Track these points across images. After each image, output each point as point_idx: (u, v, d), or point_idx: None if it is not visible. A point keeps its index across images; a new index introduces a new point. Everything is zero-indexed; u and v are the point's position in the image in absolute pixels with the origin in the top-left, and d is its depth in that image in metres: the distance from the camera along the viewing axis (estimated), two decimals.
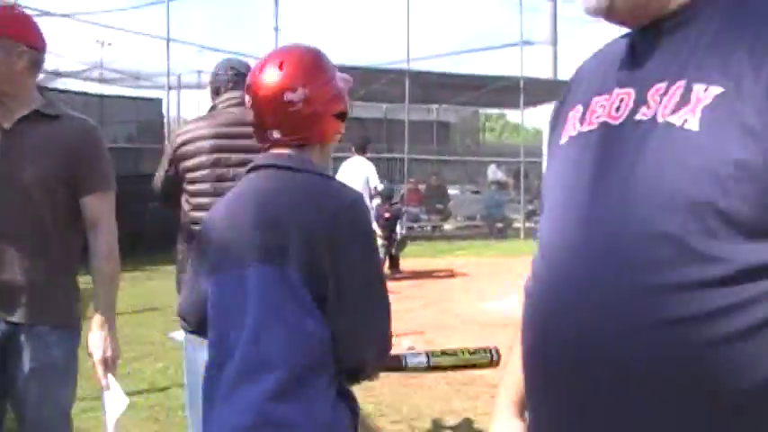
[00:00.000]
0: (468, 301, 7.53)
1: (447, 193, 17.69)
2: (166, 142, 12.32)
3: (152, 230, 8.94)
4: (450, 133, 23.66)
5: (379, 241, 9.92)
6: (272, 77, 1.45)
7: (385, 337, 1.48)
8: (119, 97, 14.64)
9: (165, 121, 13.71)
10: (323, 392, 1.35)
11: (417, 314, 6.91)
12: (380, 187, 9.46)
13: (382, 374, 3.09)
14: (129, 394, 2.14)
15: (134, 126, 13.76)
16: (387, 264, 9.82)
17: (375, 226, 10.00)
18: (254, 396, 1.32)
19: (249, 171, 1.53)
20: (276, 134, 1.48)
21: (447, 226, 17.80)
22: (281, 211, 1.40)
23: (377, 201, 10.03)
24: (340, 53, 28.36)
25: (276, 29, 13.62)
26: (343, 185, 1.54)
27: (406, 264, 10.42)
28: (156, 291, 7.15)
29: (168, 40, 12.87)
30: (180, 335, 5.08)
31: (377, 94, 17.49)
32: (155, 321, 6.13)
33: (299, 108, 1.45)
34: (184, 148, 2.52)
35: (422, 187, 17.18)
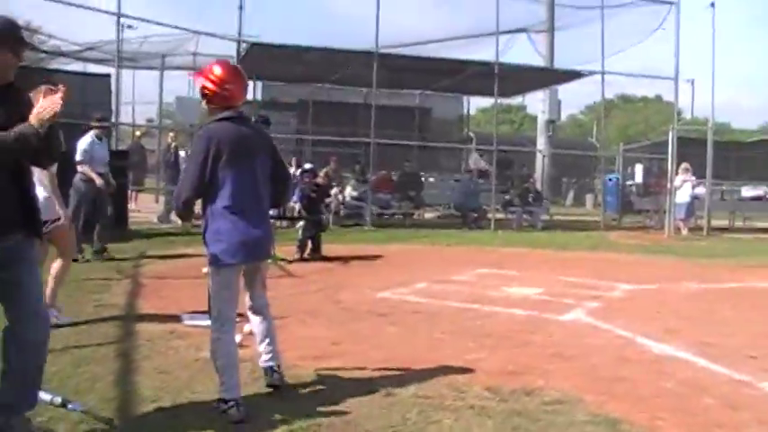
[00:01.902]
0: (359, 289, 6.99)
1: (420, 181, 16.83)
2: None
3: None
4: (433, 119, 22.83)
5: (301, 222, 9.37)
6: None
7: None
8: (66, 72, 13.87)
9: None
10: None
11: (299, 299, 6.36)
12: (307, 166, 10.24)
13: None
14: None
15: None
16: (309, 247, 9.24)
17: (299, 207, 9.54)
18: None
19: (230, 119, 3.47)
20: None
21: (427, 215, 17.10)
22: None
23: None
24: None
25: (241, 7, 13.03)
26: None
27: (342, 249, 9.94)
28: None
29: (119, 16, 12.11)
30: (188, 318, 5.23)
31: (356, 79, 16.71)
32: None
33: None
34: None
35: (395, 174, 16.33)
